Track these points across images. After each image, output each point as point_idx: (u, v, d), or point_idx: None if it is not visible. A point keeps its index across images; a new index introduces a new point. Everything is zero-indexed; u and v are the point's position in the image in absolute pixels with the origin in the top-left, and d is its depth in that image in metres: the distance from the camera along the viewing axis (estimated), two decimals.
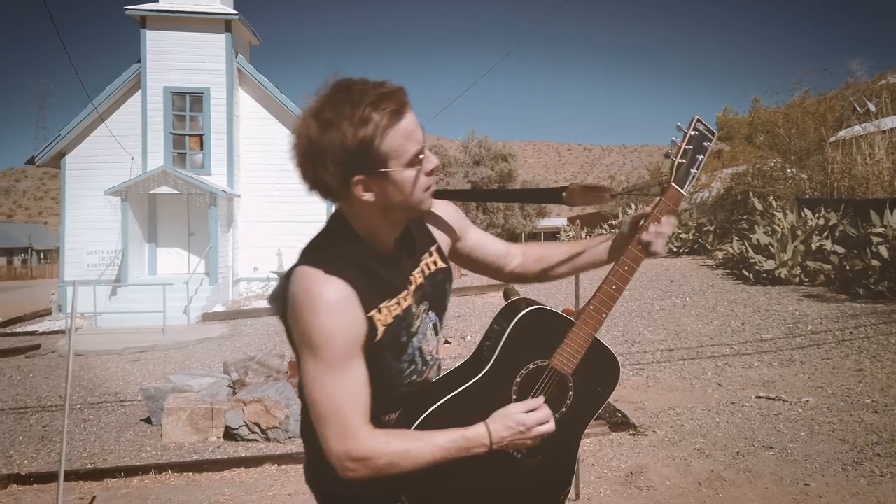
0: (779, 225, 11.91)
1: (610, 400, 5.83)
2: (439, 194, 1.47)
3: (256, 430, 5.72)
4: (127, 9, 14.99)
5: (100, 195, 14.54)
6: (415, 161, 1.23)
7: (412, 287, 1.36)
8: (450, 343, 8.81)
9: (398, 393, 1.36)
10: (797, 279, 10.90)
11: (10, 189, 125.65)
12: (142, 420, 6.51)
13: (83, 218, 15.15)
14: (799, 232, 11.59)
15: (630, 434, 4.95)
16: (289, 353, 8.11)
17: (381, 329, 1.26)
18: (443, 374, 1.48)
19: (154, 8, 15.11)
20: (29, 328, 13.84)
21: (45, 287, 24.10)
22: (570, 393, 1.42)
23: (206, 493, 4.13)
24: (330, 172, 1.19)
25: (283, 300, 1.27)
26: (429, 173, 1.28)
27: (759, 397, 5.70)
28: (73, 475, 4.59)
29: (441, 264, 1.45)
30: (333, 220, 1.34)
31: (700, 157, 1.44)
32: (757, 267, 11.27)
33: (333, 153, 1.18)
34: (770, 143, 18.36)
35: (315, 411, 1.23)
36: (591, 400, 1.46)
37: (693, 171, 1.43)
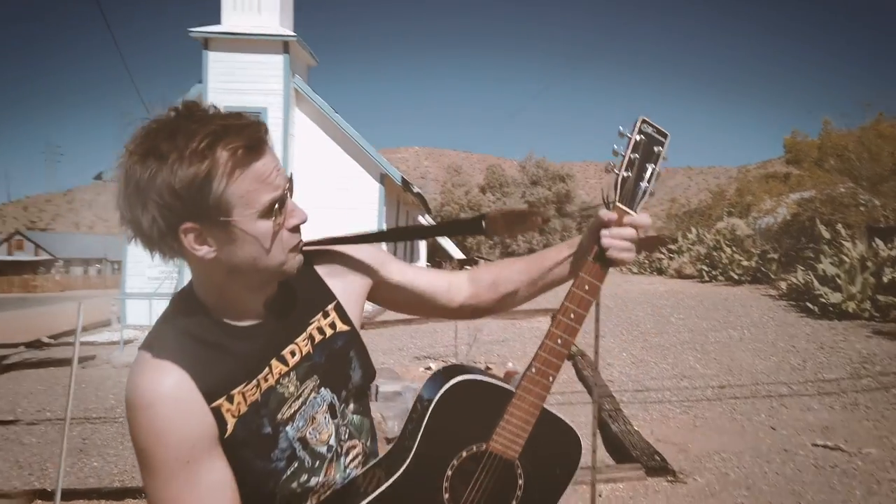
0: (847, 255, 11.22)
1: (651, 440, 5.52)
2: (315, 242, 1.24)
3: None
4: (191, 31, 15.56)
5: None
6: (269, 212, 0.99)
7: (291, 361, 1.10)
8: (490, 369, 8.61)
9: (286, 502, 1.09)
10: (866, 314, 10.23)
11: (93, 202, 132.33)
12: None
13: None
14: (869, 263, 10.88)
15: (668, 481, 4.63)
16: None
17: (230, 422, 1.02)
18: (368, 465, 1.19)
19: (217, 30, 15.63)
20: (89, 338, 14.35)
21: (112, 297, 25.13)
22: (520, 482, 1.14)
23: None
24: (150, 216, 0.95)
25: None
26: (293, 229, 1.06)
27: (816, 445, 5.27)
28: (94, 494, 4.61)
29: (342, 327, 1.19)
30: (185, 287, 1.12)
31: (650, 167, 1.15)
32: (823, 299, 10.64)
33: (156, 192, 0.93)
34: (840, 167, 17.46)
35: None
36: (549, 487, 1.19)
37: (643, 185, 1.15)
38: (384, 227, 16.23)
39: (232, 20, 15.74)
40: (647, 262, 24.68)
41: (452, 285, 1.35)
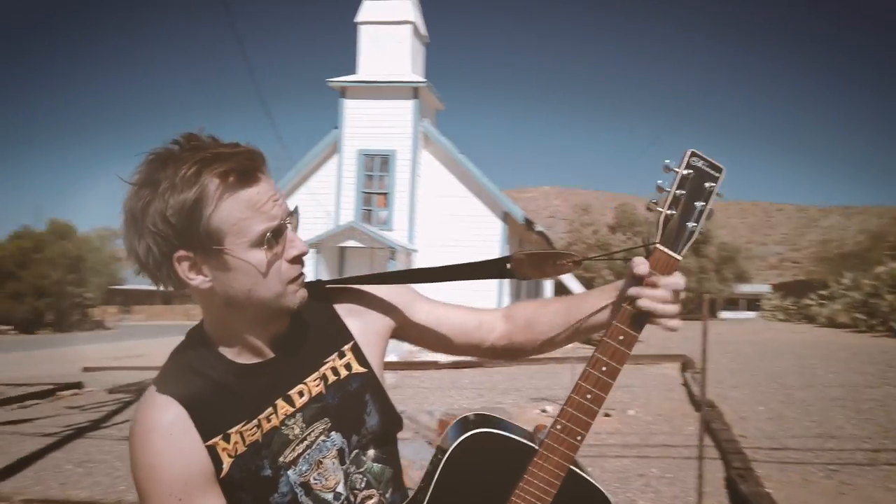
0: None
1: None
2: (336, 281, 1.21)
3: None
4: (329, 81, 16.68)
5: None
6: (261, 241, 0.97)
7: (298, 401, 1.07)
8: (609, 416, 8.23)
9: None
10: None
11: None
12: None
13: None
14: None
15: None
16: (437, 409, 8.10)
17: (226, 462, 1.00)
18: None
19: (353, 79, 16.66)
20: None
21: None
22: None
23: None
24: (145, 244, 0.96)
25: None
26: (294, 261, 1.02)
27: None
28: None
29: (358, 368, 1.15)
30: (199, 322, 1.10)
31: (699, 205, 1.03)
32: None
33: (150, 220, 0.94)
34: None
35: None
36: None
37: (690, 224, 1.03)
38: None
39: (367, 69, 16.72)
40: (794, 308, 22.79)
41: (484, 324, 1.29)
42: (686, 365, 11.11)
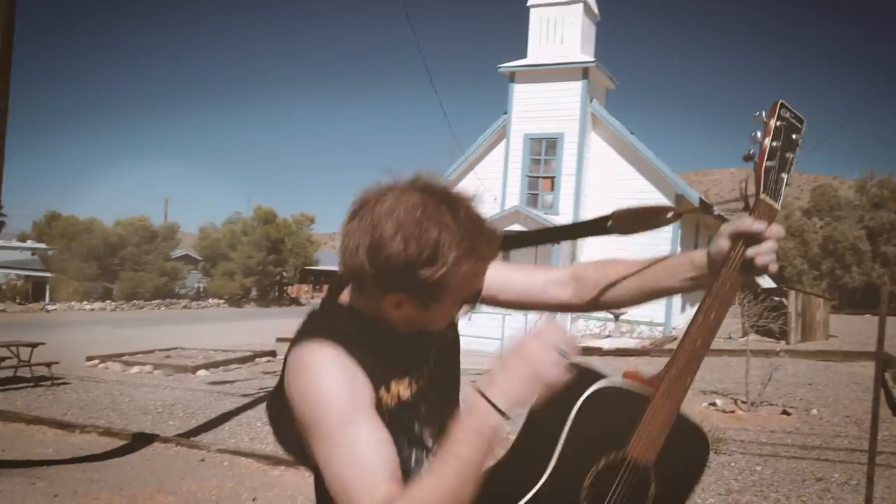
0: None
1: None
2: None
3: None
4: (499, 67, 16.86)
5: None
6: (461, 302, 1.09)
7: (426, 367, 1.17)
8: (788, 414, 7.57)
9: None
10: None
11: None
12: None
13: None
14: None
15: None
16: None
17: (384, 412, 1.06)
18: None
19: (523, 63, 16.68)
20: None
21: None
22: (651, 487, 1.10)
23: None
24: (371, 275, 1.01)
25: (278, 399, 1.10)
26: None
27: None
28: None
29: (451, 335, 1.24)
30: (332, 302, 1.16)
31: (790, 156, 1.08)
32: None
33: (392, 261, 0.98)
34: None
35: (329, 486, 1.00)
36: (679, 489, 1.15)
37: (784, 175, 1.08)
38: (678, 251, 15.44)
39: (537, 52, 16.67)
40: None
41: (549, 286, 1.34)
42: (887, 363, 9.83)
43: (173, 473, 5.35)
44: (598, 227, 1.27)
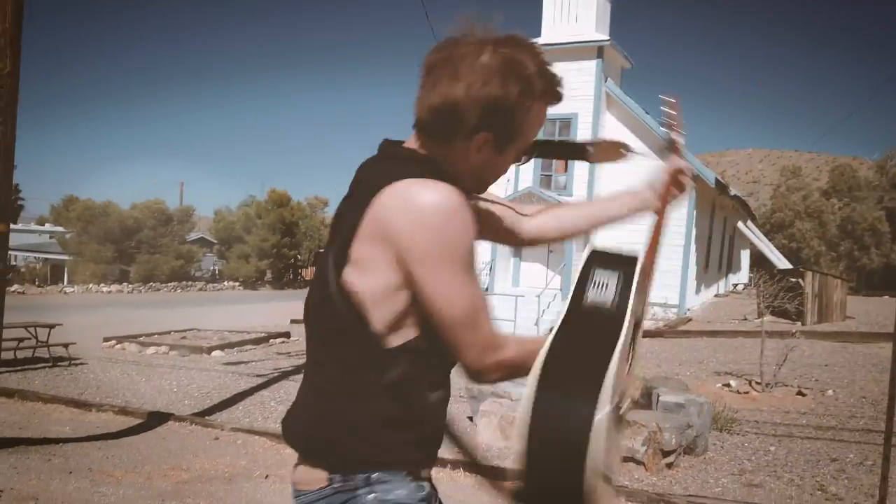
0: None
1: None
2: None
3: None
4: None
5: None
6: (520, 152, 1.23)
7: None
8: (804, 395, 7.50)
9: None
10: None
11: None
12: (467, 417, 7.14)
13: None
14: None
15: None
16: None
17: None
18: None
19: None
20: None
21: None
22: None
23: (481, 500, 4.34)
24: (469, 110, 1.10)
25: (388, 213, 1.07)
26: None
27: None
28: None
29: None
30: (425, 157, 1.17)
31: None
32: None
33: (492, 94, 1.09)
34: None
35: (453, 315, 1.08)
36: None
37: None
38: (694, 232, 15.28)
39: (550, 31, 16.45)
40: None
41: (518, 220, 1.50)
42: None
43: (187, 451, 5.41)
44: (579, 151, 1.47)
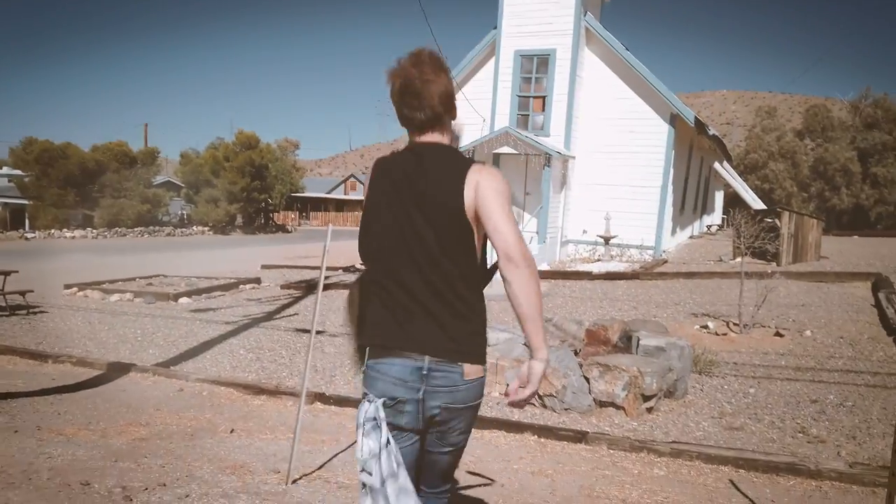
0: None
1: None
2: None
3: None
4: None
5: None
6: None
7: None
8: (781, 336, 7.44)
9: None
10: None
11: None
12: None
13: None
14: None
15: None
16: (587, 318, 7.79)
17: None
18: None
19: None
20: None
21: None
22: None
23: None
24: (451, 109, 1.97)
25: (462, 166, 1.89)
26: None
27: None
28: (347, 402, 5.06)
29: None
30: (451, 146, 2.01)
31: None
32: None
33: (451, 91, 1.94)
34: None
35: (515, 230, 1.82)
36: None
37: None
38: (671, 173, 15.07)
39: None
40: None
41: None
42: (879, 284, 9.72)
43: (148, 405, 5.13)
44: None
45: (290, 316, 10.08)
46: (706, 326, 8.06)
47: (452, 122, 1.92)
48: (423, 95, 1.83)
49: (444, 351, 1.80)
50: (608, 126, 15.25)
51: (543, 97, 15.42)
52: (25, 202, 30.76)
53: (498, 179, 1.82)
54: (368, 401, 1.80)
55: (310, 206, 63.83)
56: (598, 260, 14.84)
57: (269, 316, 10.08)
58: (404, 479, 1.78)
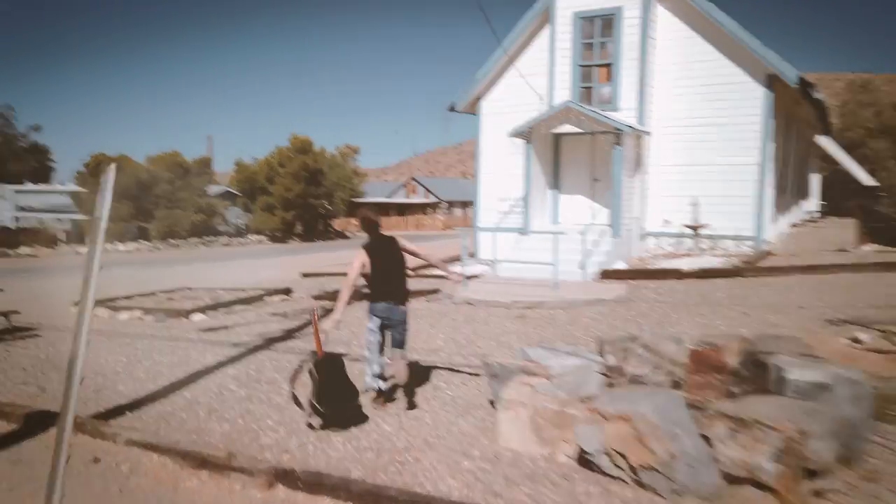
0: None
1: None
2: None
3: (622, 463, 3.57)
4: None
5: (509, 142, 14.04)
6: None
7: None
8: None
9: None
10: None
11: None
12: (490, 400, 5.04)
13: (496, 164, 14.95)
14: None
15: None
16: (687, 334, 5.70)
17: None
18: None
19: None
20: (438, 272, 14.24)
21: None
22: None
23: None
24: None
25: None
26: None
27: None
28: (320, 488, 3.17)
29: None
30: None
31: None
32: None
33: None
34: None
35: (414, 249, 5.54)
36: None
37: None
38: (771, 147, 12.54)
39: None
40: None
41: None
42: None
43: (26, 487, 3.40)
44: None
45: (312, 334, 8.40)
46: (857, 340, 5.79)
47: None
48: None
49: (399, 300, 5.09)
50: (690, 94, 12.88)
51: (609, 65, 13.19)
52: (83, 217, 30.67)
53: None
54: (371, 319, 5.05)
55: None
56: (686, 255, 12.51)
57: (288, 334, 8.42)
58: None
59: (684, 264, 11.55)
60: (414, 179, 79.09)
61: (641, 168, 13.27)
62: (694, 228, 12.18)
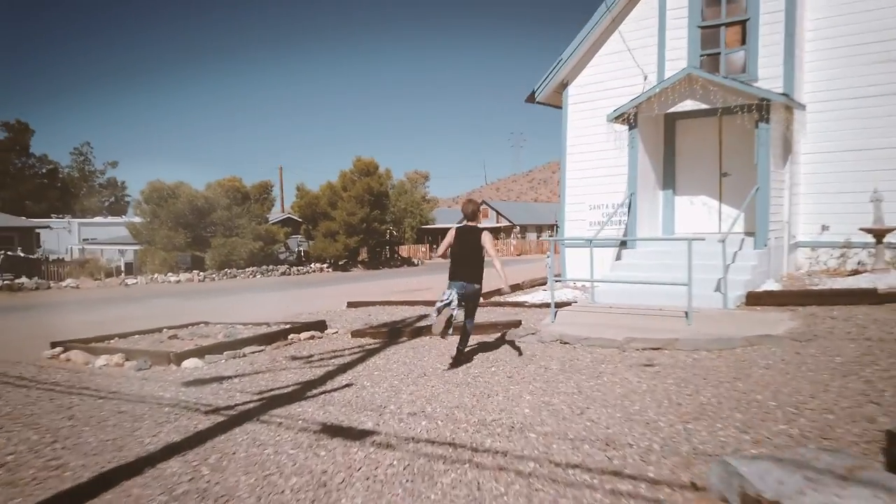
0: None
1: None
2: None
3: None
4: None
5: (605, 134, 11.02)
6: None
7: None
8: None
9: None
10: None
11: (548, 180, 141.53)
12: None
13: (587, 163, 11.90)
14: None
15: None
16: None
17: None
18: None
19: None
20: (522, 297, 11.22)
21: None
22: None
23: None
24: None
25: None
26: None
27: None
28: None
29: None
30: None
31: None
32: None
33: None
34: None
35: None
36: None
37: None
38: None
39: None
40: None
41: None
42: None
43: None
44: None
45: (337, 390, 5.60)
46: None
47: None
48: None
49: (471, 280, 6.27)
50: (858, 56, 9.50)
51: (743, 22, 9.94)
52: (139, 247, 29.42)
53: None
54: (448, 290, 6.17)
55: (440, 238, 60.65)
56: (859, 271, 9.02)
57: (303, 390, 5.66)
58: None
59: (863, 281, 8.13)
60: (485, 203, 76.60)
61: (792, 155, 9.85)
62: (878, 234, 8.66)
